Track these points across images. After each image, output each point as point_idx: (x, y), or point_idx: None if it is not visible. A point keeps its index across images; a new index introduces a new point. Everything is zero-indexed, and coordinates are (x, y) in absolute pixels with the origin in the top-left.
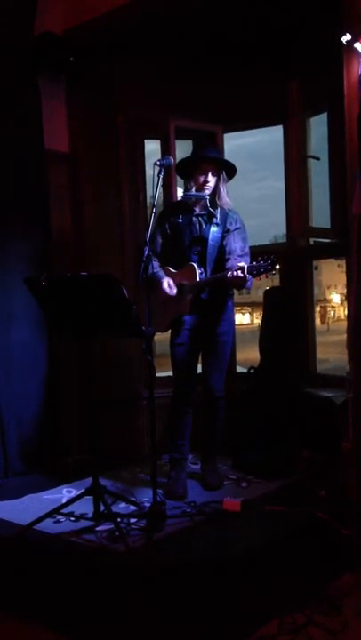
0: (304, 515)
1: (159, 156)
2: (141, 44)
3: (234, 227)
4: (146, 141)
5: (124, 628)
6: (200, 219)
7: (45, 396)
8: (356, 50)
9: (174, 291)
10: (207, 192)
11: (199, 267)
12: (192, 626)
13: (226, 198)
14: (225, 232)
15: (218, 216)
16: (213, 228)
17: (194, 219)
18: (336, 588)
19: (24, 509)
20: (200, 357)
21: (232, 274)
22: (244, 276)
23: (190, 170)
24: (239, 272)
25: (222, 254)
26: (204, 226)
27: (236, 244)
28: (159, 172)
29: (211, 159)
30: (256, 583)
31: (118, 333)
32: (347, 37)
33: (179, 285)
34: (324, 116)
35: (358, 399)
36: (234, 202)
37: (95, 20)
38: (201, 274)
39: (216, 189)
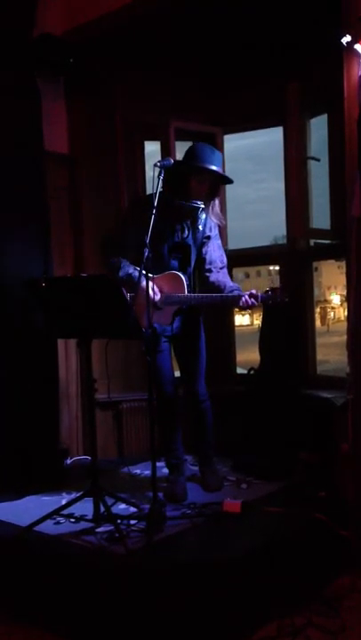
0: (303, 516)
1: (159, 158)
2: (141, 45)
3: (213, 233)
4: (146, 143)
5: (124, 629)
6: (183, 224)
7: (45, 397)
8: (356, 51)
9: (158, 296)
10: (201, 198)
11: (185, 276)
12: (192, 627)
13: (218, 211)
14: (205, 238)
15: (201, 221)
16: (195, 235)
17: (176, 222)
18: (335, 589)
19: (24, 511)
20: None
21: (245, 302)
22: (257, 303)
23: (185, 171)
24: (253, 300)
25: (200, 262)
26: (186, 231)
27: (215, 253)
28: (159, 174)
29: (213, 172)
30: (256, 585)
31: (117, 334)
32: (347, 39)
33: (167, 295)
34: (324, 118)
35: (358, 400)
36: (233, 203)
37: (95, 22)
38: (188, 286)
39: (210, 200)
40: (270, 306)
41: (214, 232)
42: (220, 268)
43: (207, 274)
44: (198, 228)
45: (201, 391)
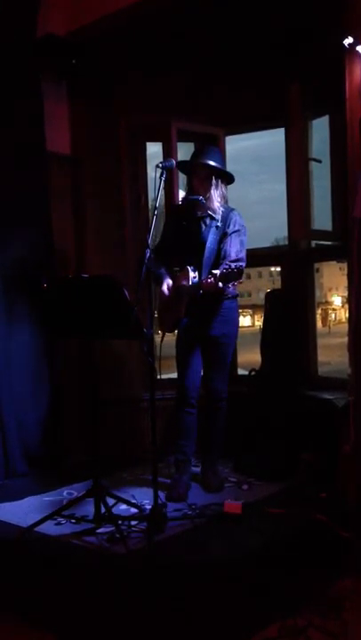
0: (304, 517)
1: (161, 159)
2: (143, 46)
3: (232, 229)
4: (148, 144)
5: (124, 630)
6: (201, 222)
7: (46, 397)
8: (357, 53)
9: (169, 293)
10: (202, 195)
11: (194, 270)
12: (192, 629)
13: (216, 203)
14: (223, 235)
15: (219, 218)
16: (213, 232)
17: (195, 222)
18: (336, 590)
19: (25, 511)
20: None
21: (206, 280)
22: (217, 283)
23: (185, 172)
24: (212, 279)
25: (219, 257)
26: (204, 229)
27: (231, 248)
28: (161, 175)
29: (202, 165)
30: (257, 586)
31: (119, 335)
32: (349, 40)
33: (177, 287)
34: (325, 119)
35: (359, 402)
36: (235, 204)
37: (97, 23)
38: (194, 278)
39: (209, 194)
40: (226, 283)
41: (233, 228)
42: (232, 261)
43: (220, 266)
44: (218, 226)
45: (216, 388)
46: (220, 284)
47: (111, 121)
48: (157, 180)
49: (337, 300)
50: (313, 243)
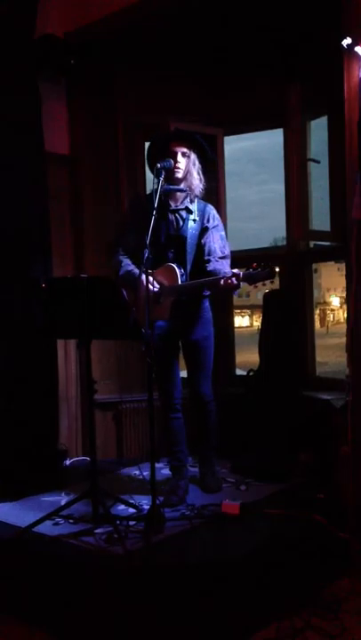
0: (302, 518)
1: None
2: (142, 46)
3: (212, 224)
4: (146, 144)
5: (122, 630)
6: (177, 215)
7: (44, 398)
8: (356, 53)
9: (156, 287)
10: (179, 175)
11: (179, 267)
12: (190, 629)
13: (196, 180)
14: (203, 229)
15: (195, 211)
16: (191, 225)
17: (170, 214)
18: (334, 591)
19: (22, 511)
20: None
21: (225, 281)
22: (238, 283)
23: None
24: (233, 280)
25: (201, 253)
26: (181, 222)
27: (215, 243)
28: (159, 175)
29: (178, 134)
30: (254, 587)
31: (117, 335)
32: (347, 41)
33: (161, 287)
34: (324, 120)
35: (357, 402)
36: (234, 205)
37: (96, 23)
38: (182, 276)
39: (187, 174)
40: (254, 283)
41: (213, 223)
42: (221, 258)
43: (206, 264)
44: (195, 219)
45: (203, 391)
46: (246, 284)
47: (110, 121)
48: (155, 180)
49: (335, 301)
50: (311, 243)
